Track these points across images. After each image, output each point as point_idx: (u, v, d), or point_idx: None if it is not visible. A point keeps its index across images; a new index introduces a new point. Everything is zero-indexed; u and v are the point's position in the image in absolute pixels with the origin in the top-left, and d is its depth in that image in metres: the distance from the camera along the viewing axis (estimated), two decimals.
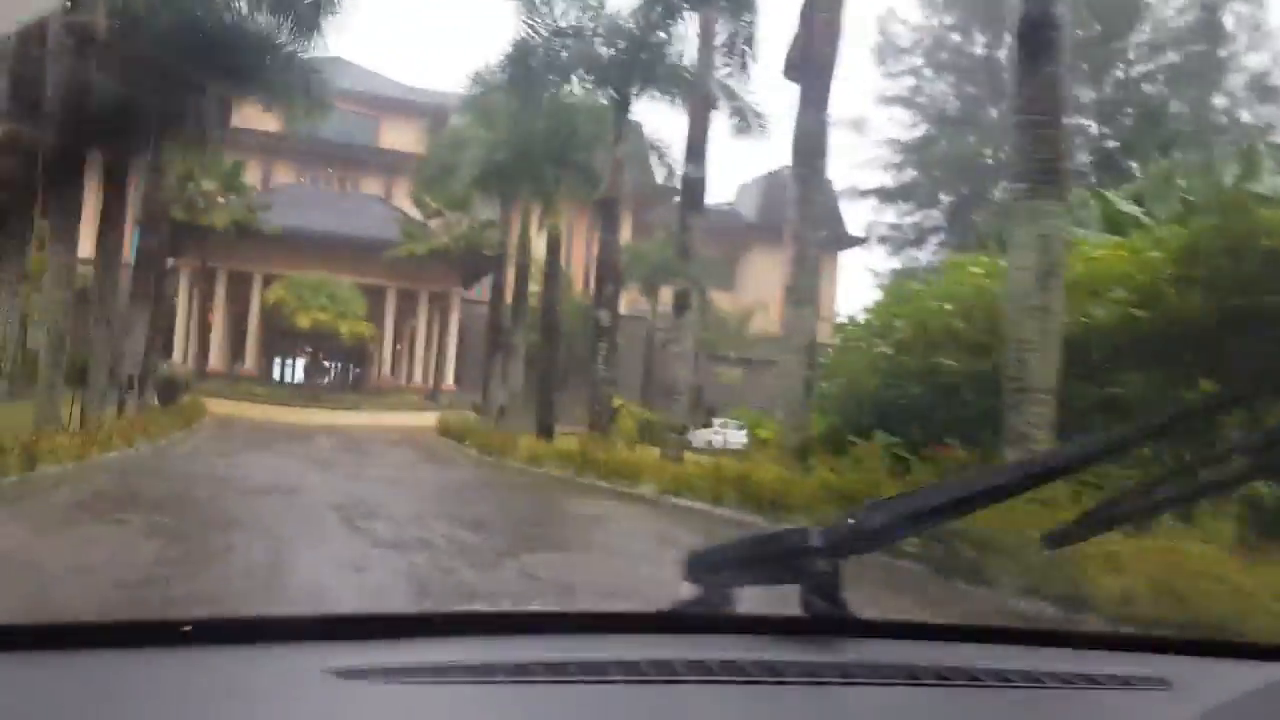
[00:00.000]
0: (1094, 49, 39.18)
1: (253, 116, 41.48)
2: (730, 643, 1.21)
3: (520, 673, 1.07)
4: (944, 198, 46.15)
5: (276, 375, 39.85)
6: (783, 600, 1.23)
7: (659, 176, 20.81)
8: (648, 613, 1.30)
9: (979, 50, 45.42)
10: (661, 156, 20.56)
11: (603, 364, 17.96)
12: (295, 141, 42.72)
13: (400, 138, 44.13)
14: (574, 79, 18.99)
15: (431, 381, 37.13)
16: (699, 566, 1.27)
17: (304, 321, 32.53)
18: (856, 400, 13.70)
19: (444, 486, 15.11)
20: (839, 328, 16.69)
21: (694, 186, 16.95)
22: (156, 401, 25.87)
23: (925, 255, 46.72)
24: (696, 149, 16.87)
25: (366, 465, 18.05)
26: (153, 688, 1.00)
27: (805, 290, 13.39)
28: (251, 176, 37.49)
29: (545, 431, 20.52)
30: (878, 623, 1.31)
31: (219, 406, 30.61)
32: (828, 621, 1.23)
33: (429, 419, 31.82)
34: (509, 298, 29.23)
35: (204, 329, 35.42)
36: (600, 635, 1.26)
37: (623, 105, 17.95)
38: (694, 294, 41.34)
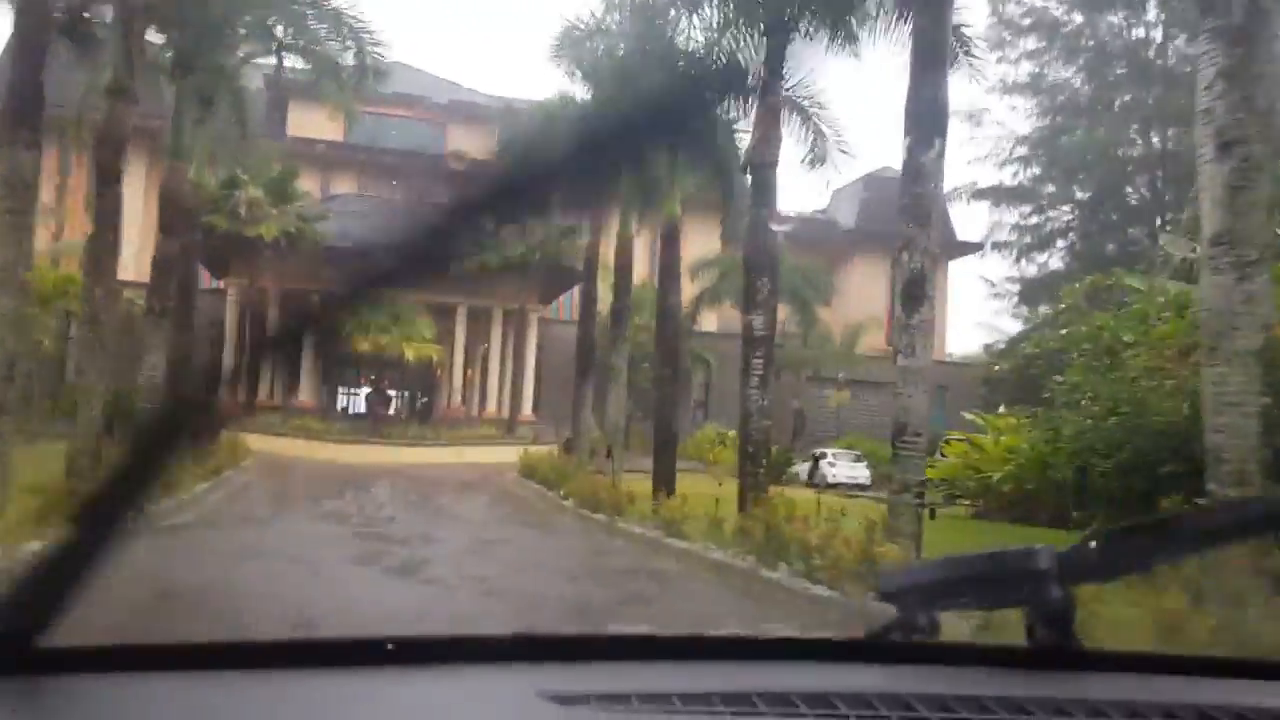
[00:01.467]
0: None
1: (309, 124, 37.74)
2: (934, 674, 1.13)
3: (739, 702, 1.03)
4: (1075, 196, 40.41)
5: (336, 406, 35.41)
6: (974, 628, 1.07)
7: (811, 152, 15.61)
8: (844, 639, 1.28)
9: (1114, 30, 39.69)
10: (809, 120, 15.42)
11: (757, 390, 12.81)
12: (355, 151, 38.76)
13: (469, 145, 39.79)
14: (705, 9, 13.98)
15: (508, 411, 32.31)
16: (895, 587, 1.16)
17: (364, 345, 27.96)
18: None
19: (558, 581, 9.96)
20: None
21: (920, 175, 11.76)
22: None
23: (1054, 262, 40.99)
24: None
25: (437, 531, 13.17)
26: (360, 707, 0.99)
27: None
28: (308, 189, 33.26)
29: (664, 481, 15.43)
30: (1107, 655, 1.24)
31: (267, 444, 26.09)
32: (1052, 653, 1.13)
33: (508, 456, 27.00)
34: (601, 312, 24.45)
35: (254, 356, 30.96)
36: (793, 664, 1.21)
37: (778, 31, 12.89)
38: (799, 309, 36.21)
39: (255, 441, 25.41)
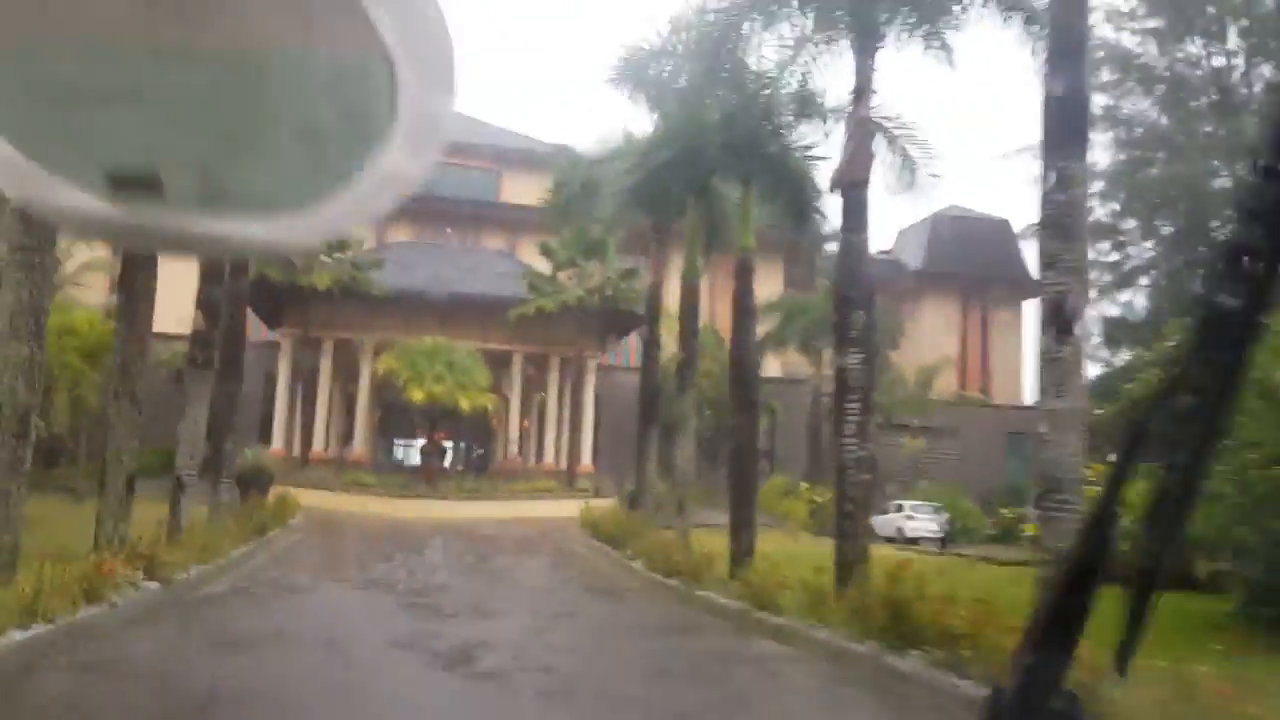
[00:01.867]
0: None
1: None
2: None
3: None
4: (1158, 231, 38.28)
5: (390, 458, 34.31)
6: None
7: (897, 177, 14.09)
8: None
9: (1192, 60, 37.79)
10: (894, 142, 13.90)
11: (854, 438, 11.20)
12: (411, 199, 37.83)
13: (524, 192, 38.93)
14: (780, 24, 12.61)
15: (565, 463, 30.86)
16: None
17: (418, 395, 26.85)
18: None
19: (638, 672, 8.35)
20: None
21: None
22: (238, 498, 20.26)
23: (1138, 300, 38.76)
24: None
25: (495, 601, 11.69)
26: None
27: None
28: (362, 237, 32.44)
29: (743, 539, 13.78)
30: None
31: (319, 499, 24.94)
32: None
33: (567, 510, 25.51)
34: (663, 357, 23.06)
35: (307, 408, 30.04)
36: None
37: (868, 39, 11.45)
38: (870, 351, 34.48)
39: (307, 496, 24.30)
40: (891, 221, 52.34)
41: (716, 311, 38.39)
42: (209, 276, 16.94)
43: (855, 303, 11.48)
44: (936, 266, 44.09)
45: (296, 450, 29.73)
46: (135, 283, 12.95)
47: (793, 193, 15.58)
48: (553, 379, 31.20)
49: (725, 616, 10.63)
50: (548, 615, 10.81)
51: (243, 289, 20.25)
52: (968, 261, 44.25)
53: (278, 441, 29.82)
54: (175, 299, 17.93)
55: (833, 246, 31.02)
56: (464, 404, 27.44)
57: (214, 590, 10.47)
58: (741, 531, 14.43)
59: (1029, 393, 41.99)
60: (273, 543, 16.38)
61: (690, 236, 19.16)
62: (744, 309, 15.30)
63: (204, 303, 16.71)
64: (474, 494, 27.10)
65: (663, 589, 13.13)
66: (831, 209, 17.99)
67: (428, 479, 27.58)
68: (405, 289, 29.20)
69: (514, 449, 30.41)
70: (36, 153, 0.59)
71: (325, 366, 29.95)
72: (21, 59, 0.56)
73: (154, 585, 9.73)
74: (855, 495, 11.12)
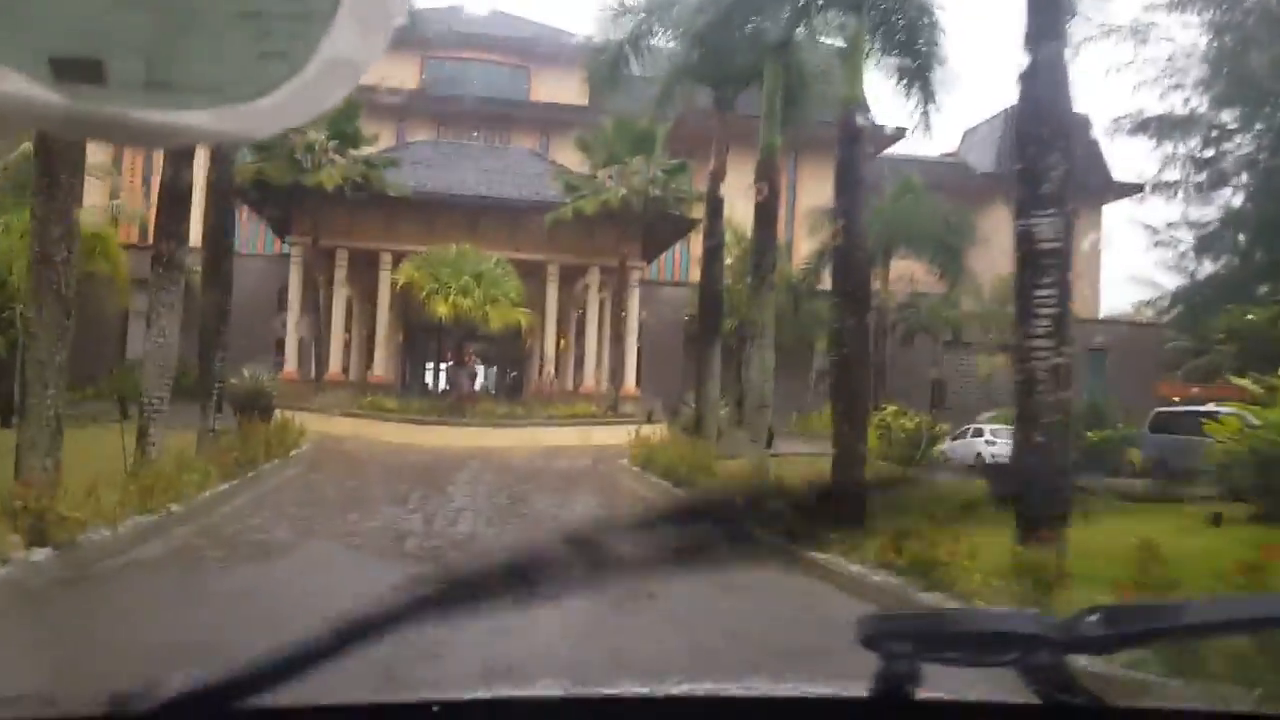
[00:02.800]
0: None
1: (381, 72, 33.57)
2: None
3: None
4: (1260, 125, 33.84)
5: (416, 382, 31.24)
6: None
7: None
8: (839, 698, 1.19)
9: None
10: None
11: (1048, 339, 7.76)
12: (433, 99, 34.40)
13: (556, 90, 35.14)
14: None
15: (607, 385, 27.60)
16: (876, 632, 1.10)
17: (442, 309, 23.58)
18: None
19: None
20: None
21: None
22: (236, 426, 17.29)
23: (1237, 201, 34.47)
24: None
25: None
26: None
27: None
28: (384, 141, 28.89)
29: (849, 478, 10.42)
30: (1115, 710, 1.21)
31: (333, 426, 21.95)
32: (1034, 713, 1.12)
33: (611, 437, 22.38)
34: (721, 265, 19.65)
35: (323, 327, 26.88)
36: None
37: None
38: (941, 259, 30.68)
39: (318, 423, 21.28)
40: (952, 123, 47.72)
41: (796, 204, 34.75)
42: (174, 158, 13.55)
43: (1048, 142, 7.91)
44: (1009, 168, 39.83)
45: (313, 374, 26.69)
46: (52, 149, 9.57)
47: (912, 31, 11.87)
48: (592, 293, 27.80)
49: (874, 597, 7.32)
50: (615, 597, 7.59)
51: (226, 179, 16.92)
52: None
53: (290, 364, 26.79)
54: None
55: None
56: (494, 320, 24.16)
57: (138, 556, 7.32)
58: (847, 465, 11.13)
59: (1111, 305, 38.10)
60: (262, 479, 13.32)
61: (767, 100, 15.50)
62: (852, 179, 11.75)
63: (168, 188, 13.38)
64: (508, 420, 23.97)
65: (767, 551, 9.88)
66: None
67: (456, 404, 24.46)
68: (426, 192, 25.75)
69: (550, 370, 27.18)
70: None
71: (340, 279, 26.71)
72: None
73: (42, 553, 6.58)
74: (1049, 421, 7.67)
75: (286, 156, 23.59)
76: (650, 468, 16.60)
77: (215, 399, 16.30)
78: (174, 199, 13.33)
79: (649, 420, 25.14)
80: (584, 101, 35.32)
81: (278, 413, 21.35)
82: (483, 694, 1.24)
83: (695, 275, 34.43)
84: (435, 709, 1.06)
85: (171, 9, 0.58)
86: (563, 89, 34.88)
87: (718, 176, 19.09)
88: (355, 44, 0.59)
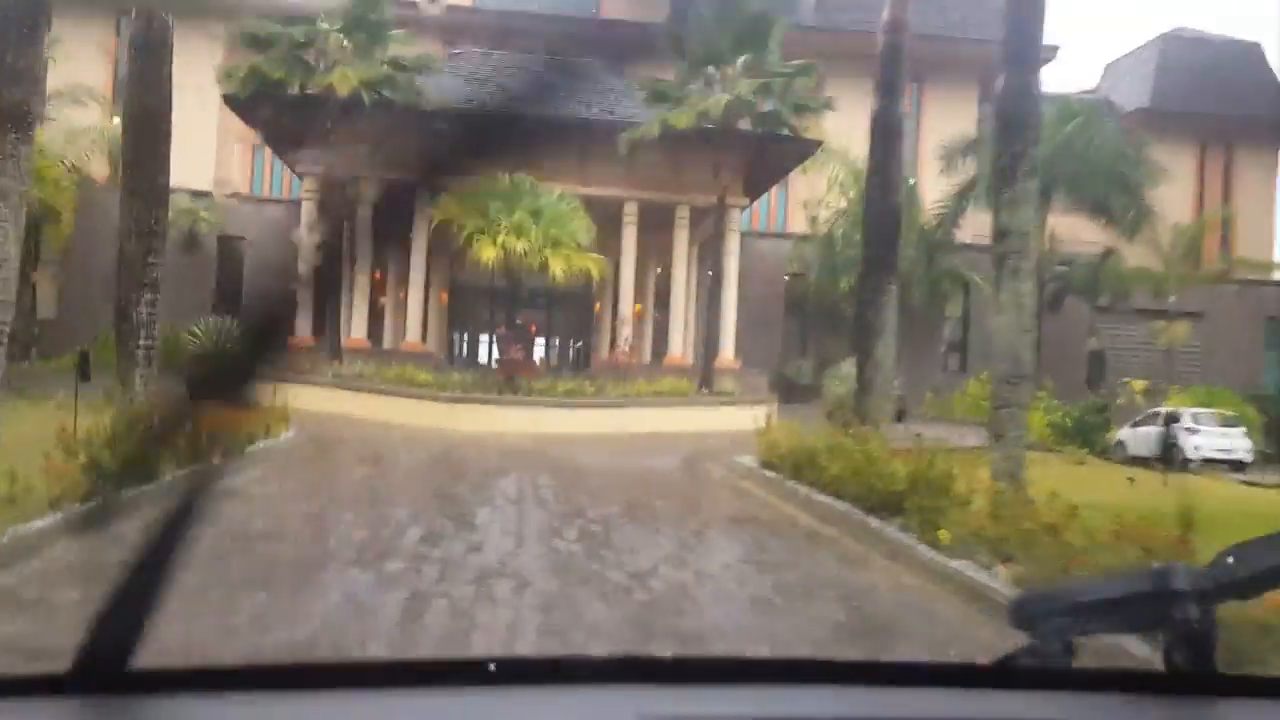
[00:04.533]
0: None
1: None
2: (1072, 701, 1.08)
3: None
4: None
5: (460, 351, 25.43)
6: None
7: None
8: (975, 665, 1.17)
9: None
10: None
11: None
12: (488, 16, 28.51)
13: (628, 6, 29.02)
14: None
15: (698, 356, 21.49)
16: (1030, 611, 1.10)
17: (489, 252, 17.74)
18: None
19: None
20: None
21: None
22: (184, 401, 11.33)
23: None
24: None
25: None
26: None
27: None
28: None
29: None
30: (1252, 679, 1.19)
31: (345, 404, 16.26)
32: (1191, 678, 1.06)
33: (712, 422, 16.57)
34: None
35: (337, 280, 21.12)
36: (922, 690, 1.13)
37: None
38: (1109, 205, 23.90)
39: (323, 401, 15.61)
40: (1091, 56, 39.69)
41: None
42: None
43: None
44: (1165, 104, 32.60)
45: (325, 333, 21.01)
46: None
47: None
48: (680, 238, 21.61)
49: None
50: None
51: (159, 34, 11.01)
52: (1205, 98, 32.65)
53: (302, 327, 21.13)
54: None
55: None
56: (556, 267, 18.20)
57: None
58: None
59: None
60: (139, 506, 7.41)
61: None
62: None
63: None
64: (573, 399, 18.00)
65: None
66: None
67: (506, 377, 18.54)
68: (472, 110, 19.79)
69: (627, 335, 21.08)
70: None
71: (363, 220, 20.92)
72: None
73: None
74: None
75: (286, 52, 17.78)
76: (790, 471, 10.47)
77: (140, 359, 10.61)
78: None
79: (755, 402, 19.05)
80: (661, 18, 29.32)
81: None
82: (539, 654, 1.28)
83: (795, 224, 28.28)
84: (492, 667, 1.03)
85: None
86: (637, 7, 28.78)
87: (898, 27, 12.51)
88: None
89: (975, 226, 26.25)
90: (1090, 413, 22.61)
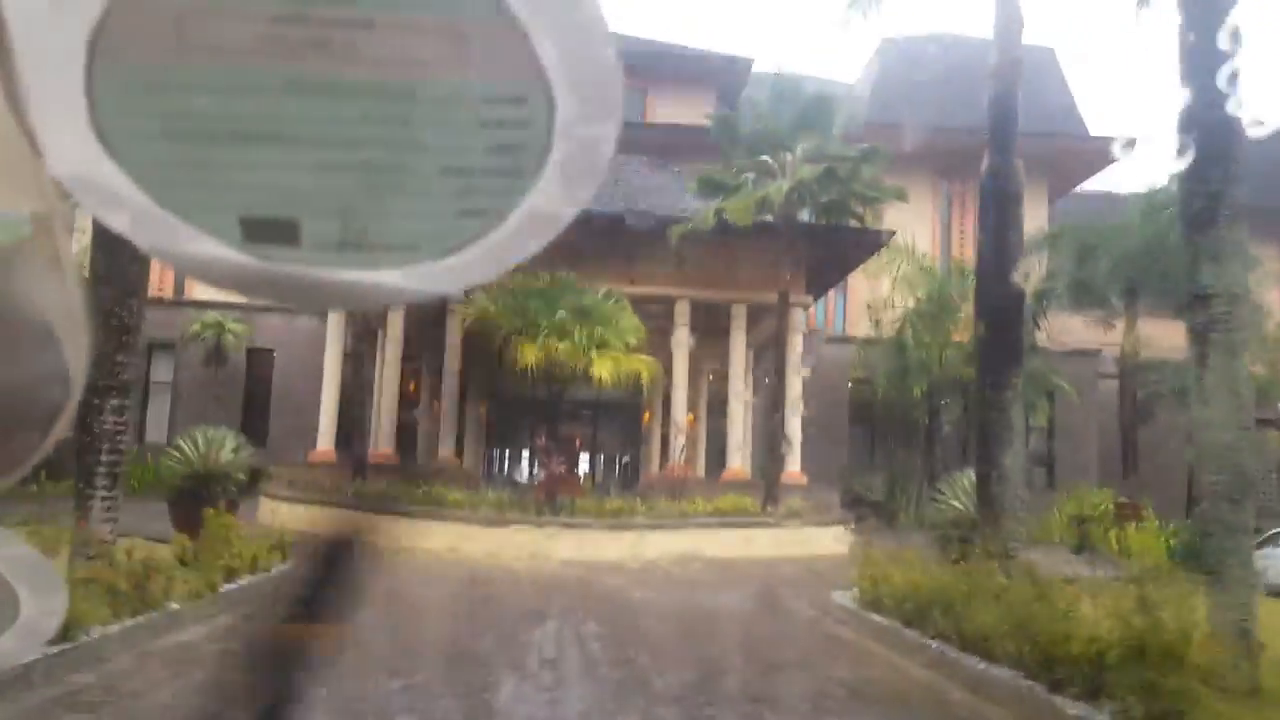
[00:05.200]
0: None
1: None
2: None
3: None
4: None
5: (490, 467, 23.25)
6: None
7: None
8: None
9: None
10: None
11: None
12: None
13: (674, 113, 27.85)
14: None
15: (756, 468, 19.11)
16: None
17: (530, 354, 15.67)
18: None
19: None
20: None
21: None
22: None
23: None
24: None
25: None
26: None
27: None
28: None
29: None
30: None
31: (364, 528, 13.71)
32: None
33: (793, 547, 14.02)
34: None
35: (361, 391, 19.20)
36: None
37: None
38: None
39: (328, 521, 13.20)
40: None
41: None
42: None
43: None
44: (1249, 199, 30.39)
45: (349, 447, 18.98)
46: None
47: None
48: (737, 340, 19.49)
49: None
50: None
51: None
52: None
53: (324, 441, 19.13)
54: None
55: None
56: (603, 371, 16.10)
57: None
58: None
59: None
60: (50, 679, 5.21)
61: None
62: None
63: None
64: (621, 520, 15.58)
65: None
66: None
67: (547, 496, 16.24)
68: None
69: (681, 447, 18.77)
70: (166, 197, 0.51)
71: (393, 326, 19.11)
72: (151, 92, 0.47)
73: None
74: None
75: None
76: (935, 627, 7.93)
77: (101, 479, 8.57)
78: None
79: (837, 522, 16.62)
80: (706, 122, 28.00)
81: (273, 504, 13.62)
82: None
83: (856, 327, 26.12)
84: None
85: (374, 168, 0.49)
86: (682, 111, 27.60)
87: (1008, 69, 10.40)
88: (563, 195, 0.50)
89: (1053, 329, 23.90)
90: (1197, 534, 19.62)
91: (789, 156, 17.06)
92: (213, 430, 11.04)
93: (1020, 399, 9.66)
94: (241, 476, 11.19)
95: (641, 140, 27.43)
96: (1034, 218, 25.83)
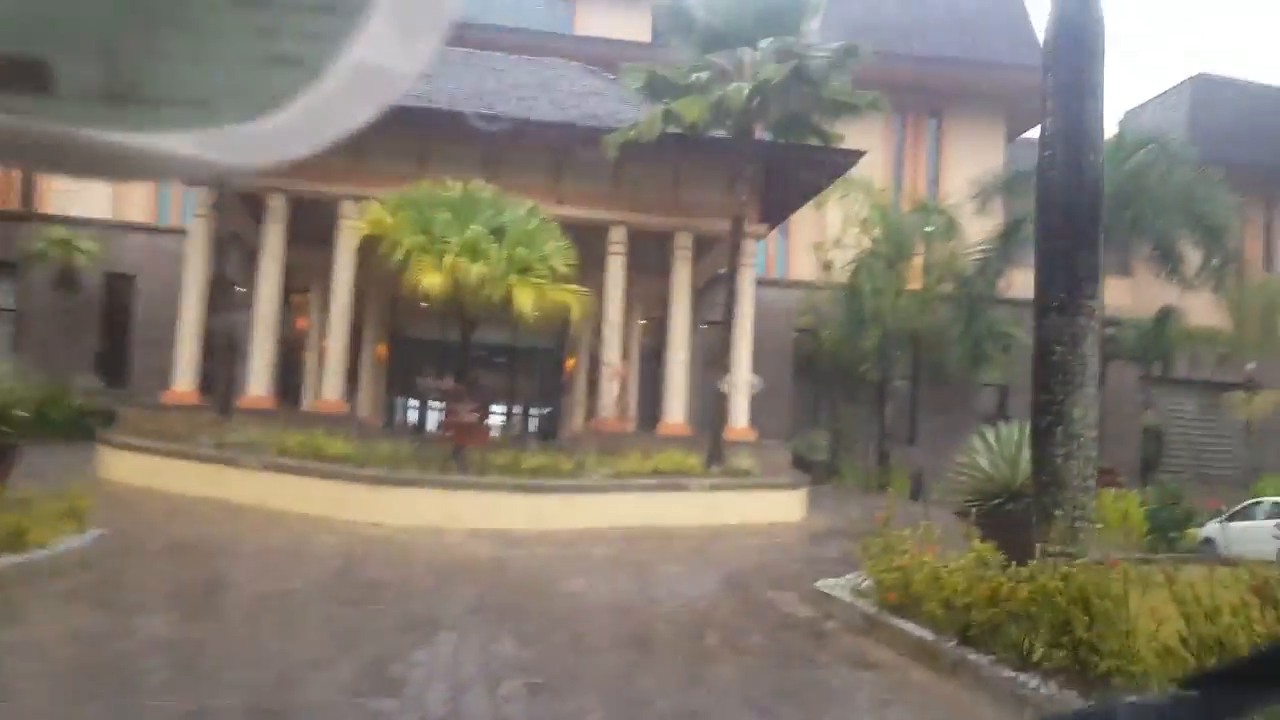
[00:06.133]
0: None
1: None
2: None
3: None
4: None
5: (390, 415, 19.95)
6: None
7: None
8: None
9: None
10: None
11: None
12: (457, 27, 23.56)
13: (604, 22, 24.69)
14: None
15: (698, 423, 16.37)
16: None
17: (433, 278, 12.46)
18: None
19: None
20: None
21: None
22: None
23: None
24: None
25: None
26: None
27: None
28: None
29: None
30: None
31: (216, 486, 10.70)
32: None
33: (748, 513, 11.31)
34: None
35: (233, 325, 15.73)
36: None
37: None
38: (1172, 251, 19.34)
39: (192, 479, 10.18)
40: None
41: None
42: None
43: None
44: (1201, 153, 28.65)
45: (211, 389, 15.55)
46: None
47: None
48: (680, 274, 16.58)
49: None
50: None
51: None
52: (1241, 147, 28.76)
53: (183, 381, 15.61)
54: None
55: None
56: (524, 301, 12.98)
57: None
58: None
59: None
60: None
61: None
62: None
63: None
64: (542, 480, 12.60)
65: None
66: None
67: (453, 449, 13.13)
68: (419, 108, 14.60)
69: (611, 398, 15.81)
70: None
71: (272, 245, 15.61)
72: None
73: None
74: None
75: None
76: (1006, 646, 5.29)
77: None
78: None
79: (791, 485, 14.04)
80: (645, 38, 24.85)
81: (113, 454, 10.30)
82: None
83: (798, 270, 23.42)
84: None
85: None
86: (614, 24, 24.45)
87: None
88: (393, 48, 0.41)
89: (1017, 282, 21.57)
90: (1166, 504, 17.68)
91: (750, 55, 14.11)
92: None
93: (1097, 330, 7.02)
94: (21, 414, 7.85)
95: (570, 52, 24.14)
96: (990, 159, 23.59)
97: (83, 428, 15.38)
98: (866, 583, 7.46)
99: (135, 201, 21.63)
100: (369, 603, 6.64)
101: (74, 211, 20.45)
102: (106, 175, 0.46)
